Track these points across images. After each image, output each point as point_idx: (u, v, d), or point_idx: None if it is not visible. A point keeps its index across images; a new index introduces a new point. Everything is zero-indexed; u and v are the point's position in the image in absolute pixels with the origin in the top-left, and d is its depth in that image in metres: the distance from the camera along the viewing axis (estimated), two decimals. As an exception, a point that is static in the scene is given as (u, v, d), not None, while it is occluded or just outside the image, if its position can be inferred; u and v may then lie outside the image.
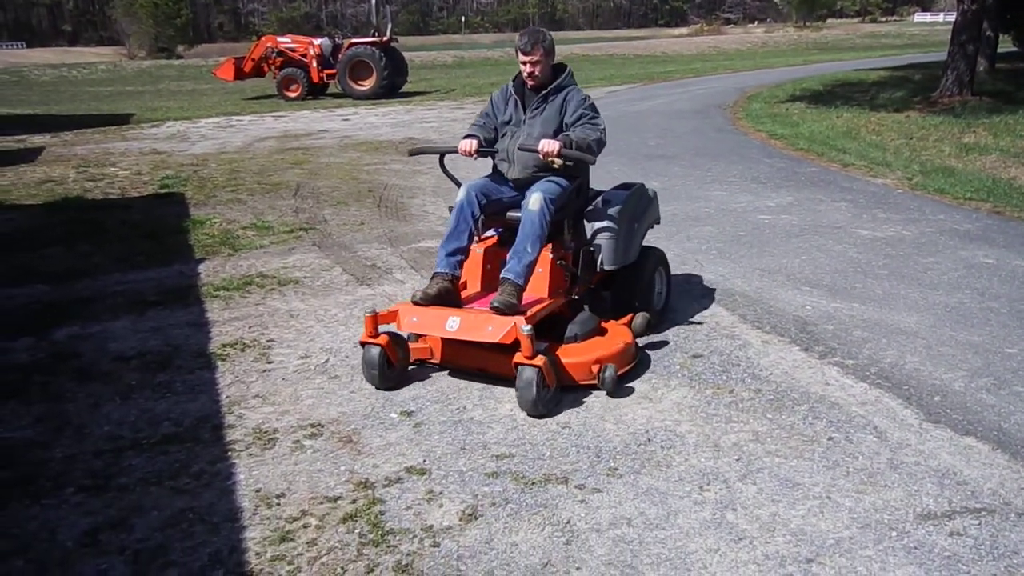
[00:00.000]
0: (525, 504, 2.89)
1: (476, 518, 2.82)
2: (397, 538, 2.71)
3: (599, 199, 4.29)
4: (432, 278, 3.94)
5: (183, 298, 5.15)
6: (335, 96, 19.85)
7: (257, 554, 2.64)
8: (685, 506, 2.85)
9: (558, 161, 3.83)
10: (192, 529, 2.77)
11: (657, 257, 4.58)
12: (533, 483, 3.02)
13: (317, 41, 19.99)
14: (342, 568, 2.57)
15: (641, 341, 4.21)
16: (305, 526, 2.79)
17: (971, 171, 8.65)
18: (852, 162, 9.55)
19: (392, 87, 19.58)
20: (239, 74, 20.58)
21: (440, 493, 2.97)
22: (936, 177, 8.36)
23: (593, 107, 4.07)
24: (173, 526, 2.79)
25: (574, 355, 3.76)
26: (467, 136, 4.17)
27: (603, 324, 4.04)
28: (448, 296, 3.87)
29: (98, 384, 3.92)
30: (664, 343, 4.32)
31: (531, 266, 3.84)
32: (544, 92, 4.09)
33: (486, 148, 4.17)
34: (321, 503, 2.92)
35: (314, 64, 19.48)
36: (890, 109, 13.69)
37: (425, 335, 3.97)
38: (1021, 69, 18.58)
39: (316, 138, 12.71)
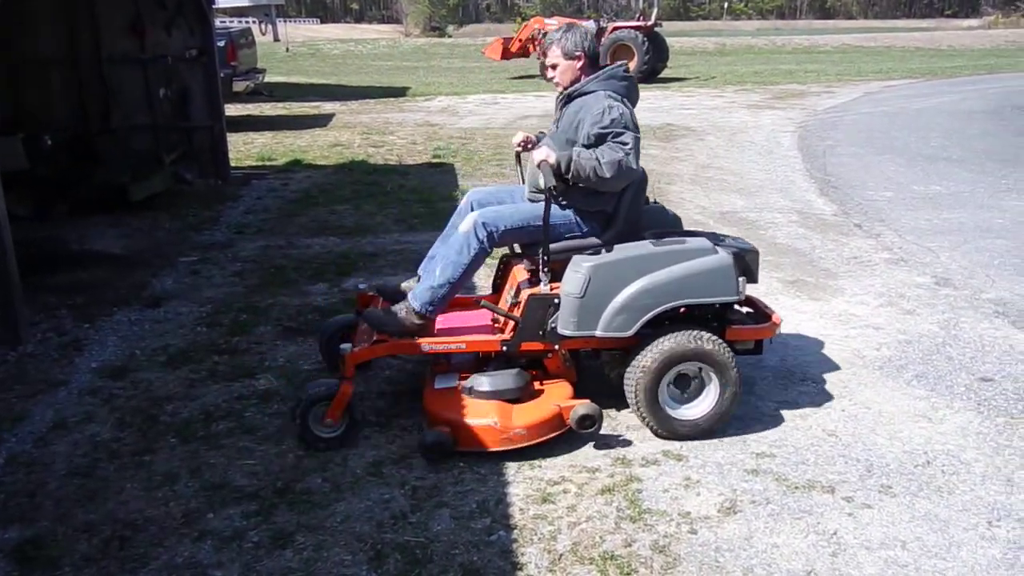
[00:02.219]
0: (787, 507, 2.80)
1: (735, 512, 2.77)
2: (654, 518, 2.74)
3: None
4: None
5: (453, 262, 5.49)
6: (594, 79, 20.08)
7: (521, 510, 2.79)
8: (970, 539, 2.62)
9: (541, 182, 3.14)
10: (462, 476, 2.98)
11: (684, 350, 3.16)
12: (796, 487, 2.91)
13: (583, 24, 20.30)
14: (600, 538, 2.64)
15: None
16: (565, 491, 2.90)
17: None
18: None
19: (652, 72, 19.42)
20: (505, 54, 21.38)
21: (697, 481, 2.96)
22: None
23: (617, 120, 3.19)
24: (446, 471, 3.01)
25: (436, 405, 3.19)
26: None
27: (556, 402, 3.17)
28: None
29: (381, 332, 4.30)
30: (947, 360, 3.97)
31: (438, 292, 3.26)
32: (564, 100, 3.45)
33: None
34: (580, 472, 3.02)
35: (577, 46, 19.80)
36: None
37: None
38: None
39: (575, 119, 12.94)
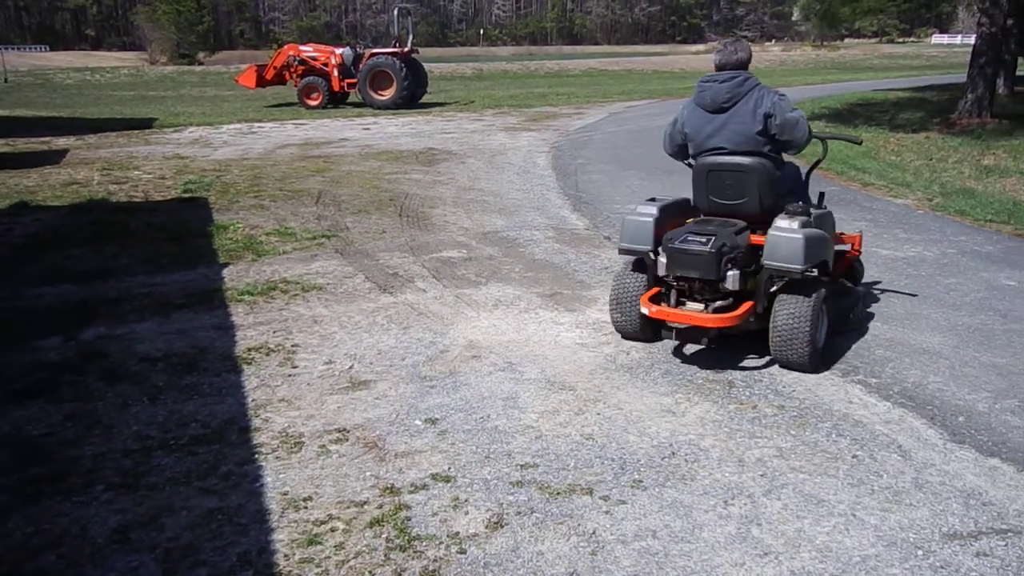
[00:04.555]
0: (550, 514, 2.91)
1: (502, 526, 2.84)
2: (424, 544, 2.74)
3: None
4: None
5: (208, 301, 5.21)
6: (355, 105, 19.99)
7: (286, 556, 2.67)
8: (710, 520, 2.87)
9: None
10: (221, 529, 2.81)
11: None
12: (558, 493, 3.04)
13: (339, 51, 20.14)
14: (370, 572, 2.59)
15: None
16: (332, 530, 2.82)
17: (991, 193, 8.63)
18: (872, 182, 9.54)
19: (412, 97, 19.70)
20: (261, 81, 20.76)
21: (466, 500, 3.00)
22: (957, 198, 8.35)
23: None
24: (203, 526, 2.82)
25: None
26: None
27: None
28: None
29: (126, 384, 3.97)
30: (686, 358, 4.33)
31: None
32: None
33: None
34: (348, 507, 2.95)
35: (335, 73, 19.62)
36: (909, 130, 13.67)
37: None
38: (1042, 92, 18.51)
39: (337, 146, 12.81)
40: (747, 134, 4.23)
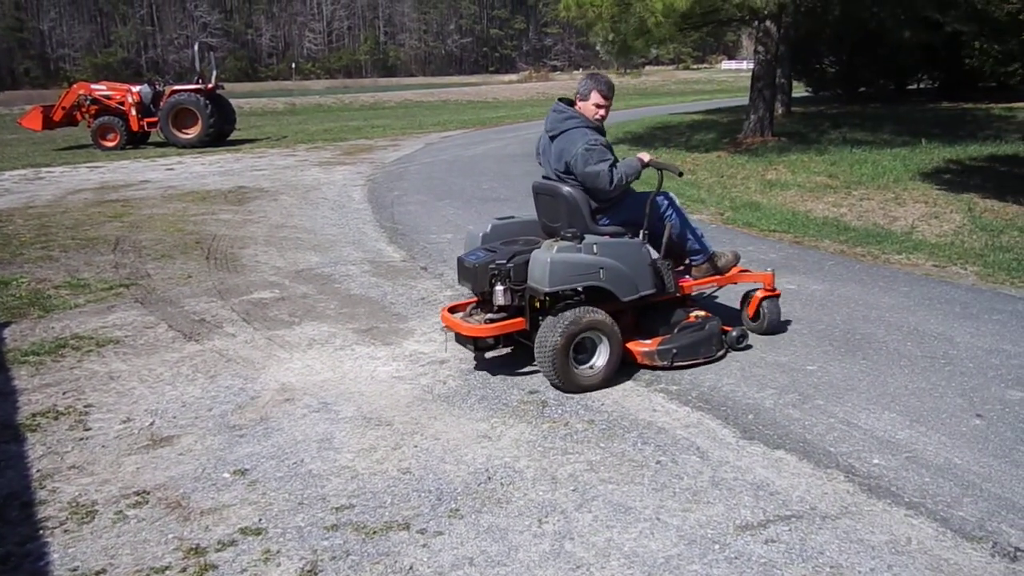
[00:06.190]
0: (367, 554, 2.86)
1: (316, 574, 2.75)
2: (232, 604, 2.60)
3: None
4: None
5: (-15, 366, 4.74)
6: (158, 145, 18.96)
7: (75, 638, 2.46)
8: (525, 540, 2.92)
9: None
10: (-2, 619, 2.54)
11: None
12: (374, 532, 2.99)
13: (136, 88, 19.03)
14: (172, 642, 2.43)
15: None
16: (130, 602, 2.62)
17: (774, 205, 9.46)
18: (671, 200, 10.16)
19: (220, 135, 18.96)
20: (48, 123, 19.22)
21: (277, 552, 2.88)
22: (745, 212, 9.07)
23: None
24: (-25, 618, 2.54)
25: None
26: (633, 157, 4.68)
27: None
28: None
29: None
30: (502, 381, 4.41)
31: None
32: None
33: None
34: (147, 575, 2.76)
35: (133, 112, 18.53)
36: (702, 150, 14.73)
37: None
38: (812, 112, 20.55)
39: (137, 189, 12.08)
40: (554, 169, 4.58)
